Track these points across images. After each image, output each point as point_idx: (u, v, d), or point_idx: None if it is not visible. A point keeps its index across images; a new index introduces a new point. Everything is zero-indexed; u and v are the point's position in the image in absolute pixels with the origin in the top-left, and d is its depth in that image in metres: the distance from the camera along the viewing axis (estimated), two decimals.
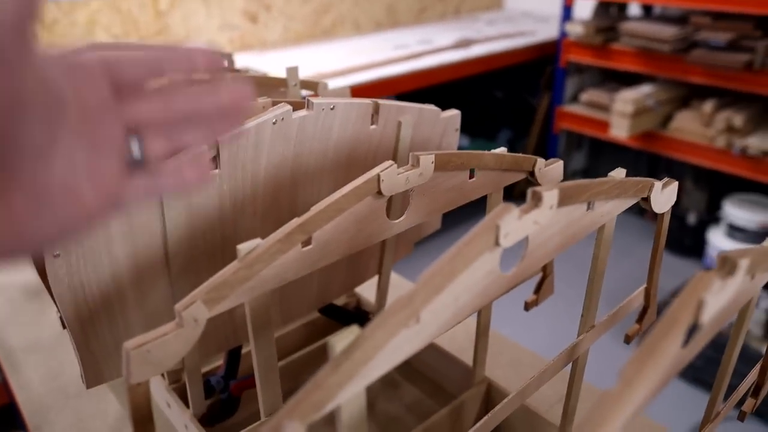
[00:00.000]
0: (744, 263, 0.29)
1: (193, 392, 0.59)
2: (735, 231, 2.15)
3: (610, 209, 0.42)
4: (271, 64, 2.15)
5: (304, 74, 0.70)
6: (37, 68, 0.24)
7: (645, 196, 0.44)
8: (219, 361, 0.68)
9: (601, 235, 0.44)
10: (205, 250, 0.50)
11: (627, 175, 0.45)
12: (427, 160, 0.43)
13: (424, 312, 0.29)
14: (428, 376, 0.71)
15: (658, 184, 0.44)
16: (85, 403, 0.70)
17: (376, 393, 0.70)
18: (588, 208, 0.40)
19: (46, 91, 0.24)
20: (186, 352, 0.34)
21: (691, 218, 2.37)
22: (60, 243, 0.26)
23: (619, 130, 2.19)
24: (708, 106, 2.07)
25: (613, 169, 0.45)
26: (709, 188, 2.37)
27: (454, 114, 0.63)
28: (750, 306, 0.40)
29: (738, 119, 1.99)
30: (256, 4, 2.40)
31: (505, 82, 2.92)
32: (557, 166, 0.54)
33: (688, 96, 2.25)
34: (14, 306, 0.89)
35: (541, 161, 0.53)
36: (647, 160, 2.59)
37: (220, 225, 0.50)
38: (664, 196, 0.45)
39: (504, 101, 3.00)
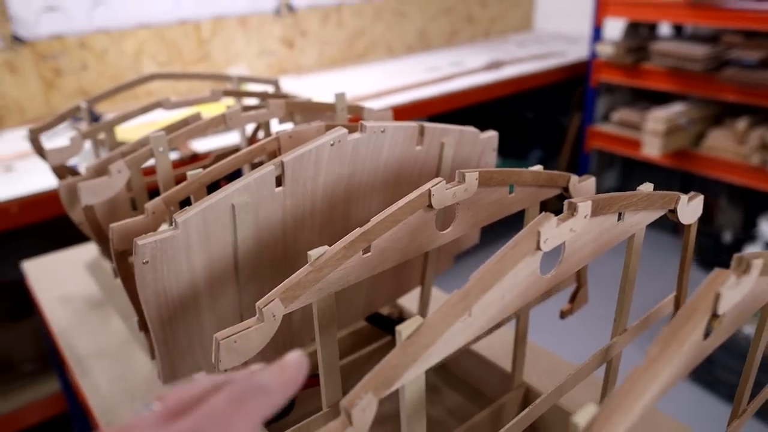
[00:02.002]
0: (758, 263, 0.33)
1: None
2: None
3: (639, 220, 0.46)
4: (308, 87, 2.24)
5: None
6: None
7: (672, 208, 0.48)
8: None
9: (632, 243, 0.48)
10: (269, 260, 0.55)
11: None
12: (472, 176, 0.48)
13: (476, 306, 0.34)
14: (468, 382, 0.75)
15: (683, 197, 0.48)
16: (149, 401, 0.75)
17: None
18: (619, 219, 0.44)
19: None
20: (264, 344, 0.39)
21: (727, 236, 2.36)
22: None
23: (652, 149, 2.21)
24: (741, 123, 2.08)
25: None
26: (744, 206, 2.36)
27: (492, 135, 0.68)
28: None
29: None
30: (293, 31, 2.50)
31: (535, 103, 2.95)
32: (590, 182, 0.58)
33: (720, 114, 2.26)
34: (80, 317, 0.96)
35: (575, 178, 0.57)
36: (680, 178, 2.59)
37: (283, 237, 0.55)
38: (690, 208, 0.49)
39: (535, 121, 3.03)
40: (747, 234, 2.32)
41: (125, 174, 0.64)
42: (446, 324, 0.33)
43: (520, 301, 0.39)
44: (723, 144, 2.15)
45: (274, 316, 0.39)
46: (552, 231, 0.36)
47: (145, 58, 2.18)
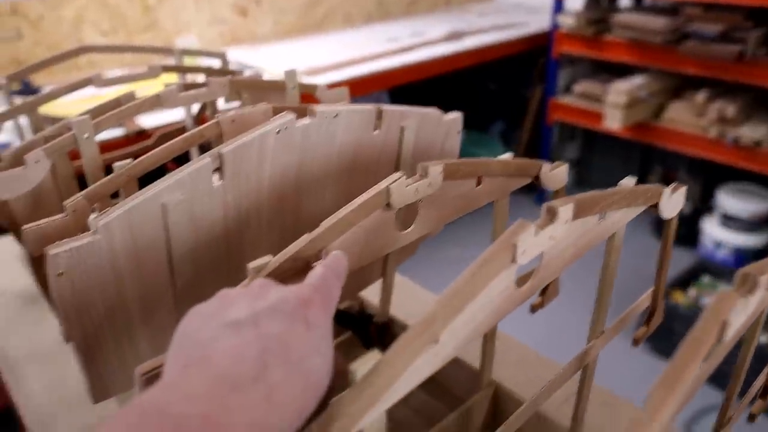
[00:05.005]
0: (764, 279, 0.29)
1: None
2: (728, 220, 2.17)
3: (620, 217, 0.42)
4: (263, 58, 2.13)
5: (296, 69, 0.69)
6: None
7: (654, 203, 0.43)
8: None
9: (612, 243, 0.44)
10: (210, 263, 0.49)
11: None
12: (436, 170, 0.42)
13: (443, 334, 0.29)
14: (435, 379, 0.71)
15: (666, 190, 0.44)
16: (87, 412, 0.69)
17: None
18: (600, 219, 0.39)
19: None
20: None
21: (686, 207, 2.38)
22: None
23: (613, 121, 2.19)
24: (701, 96, 2.08)
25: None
26: (703, 178, 2.38)
27: (456, 117, 0.62)
28: (763, 314, 0.40)
29: (730, 109, 1.99)
30: None
31: (497, 74, 2.91)
32: (562, 170, 0.53)
33: (680, 86, 2.26)
34: (12, 314, 0.88)
35: (546, 166, 0.53)
36: (641, 150, 2.59)
37: (225, 237, 0.49)
38: (672, 202, 0.45)
39: (497, 93, 2.99)
40: (705, 205, 2.34)
41: (45, 164, 0.56)
42: (408, 359, 0.28)
43: (495, 318, 0.34)
44: (682, 116, 2.15)
45: None
46: (530, 241, 0.31)
47: (85, 27, 2.04)
